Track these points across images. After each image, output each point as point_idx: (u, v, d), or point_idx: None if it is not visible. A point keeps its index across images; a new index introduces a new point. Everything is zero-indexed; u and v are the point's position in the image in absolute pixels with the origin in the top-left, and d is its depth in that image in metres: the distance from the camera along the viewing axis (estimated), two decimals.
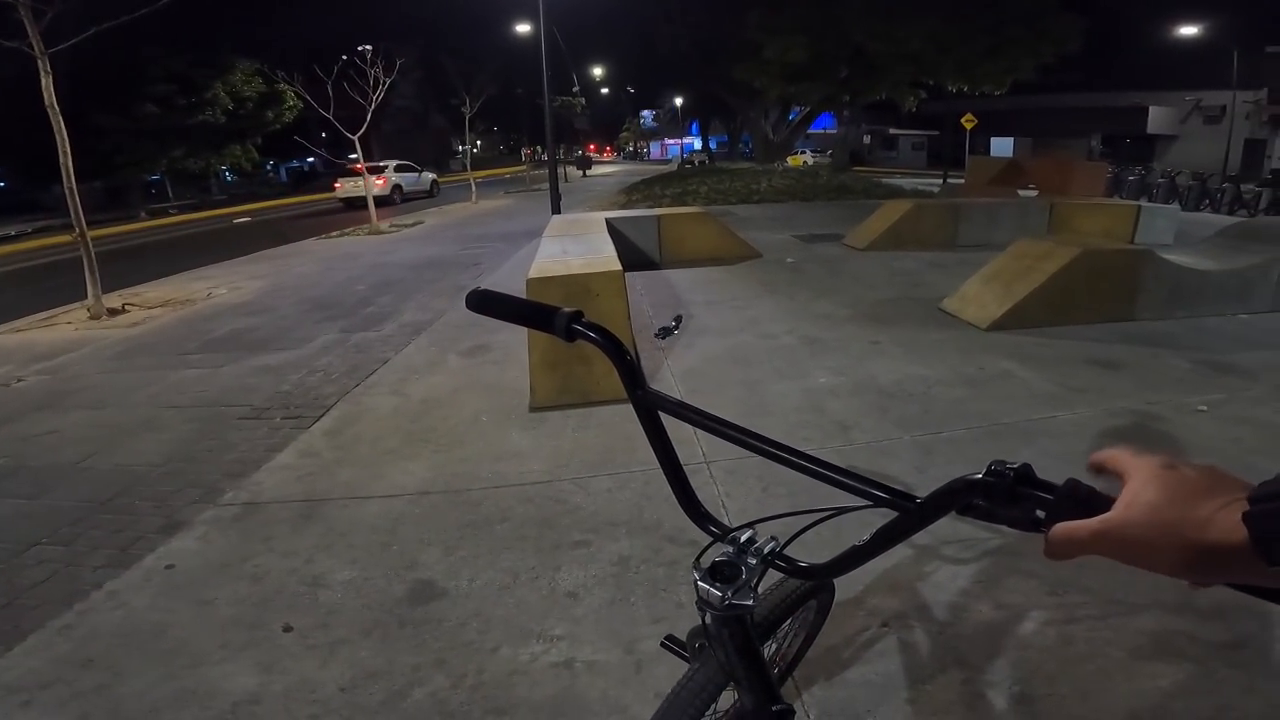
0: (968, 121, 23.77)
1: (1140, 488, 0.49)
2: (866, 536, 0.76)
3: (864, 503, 0.74)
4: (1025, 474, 0.57)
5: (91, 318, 7.25)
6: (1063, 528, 0.52)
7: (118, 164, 28.28)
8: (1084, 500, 0.53)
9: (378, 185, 21.13)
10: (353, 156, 15.38)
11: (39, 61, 6.98)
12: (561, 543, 2.70)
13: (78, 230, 7.29)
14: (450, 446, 3.62)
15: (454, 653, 2.14)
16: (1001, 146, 34.39)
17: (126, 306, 7.70)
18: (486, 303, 0.99)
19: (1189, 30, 24.37)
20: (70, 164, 7.21)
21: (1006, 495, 0.57)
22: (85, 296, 7.43)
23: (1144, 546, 0.47)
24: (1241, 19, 23.23)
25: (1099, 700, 1.84)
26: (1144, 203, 13.80)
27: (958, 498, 0.62)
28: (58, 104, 7.14)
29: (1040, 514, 0.56)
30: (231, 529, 2.95)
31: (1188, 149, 28.07)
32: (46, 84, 7.02)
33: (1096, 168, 16.03)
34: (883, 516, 0.70)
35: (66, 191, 7.30)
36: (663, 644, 1.27)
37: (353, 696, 1.98)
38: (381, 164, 23.67)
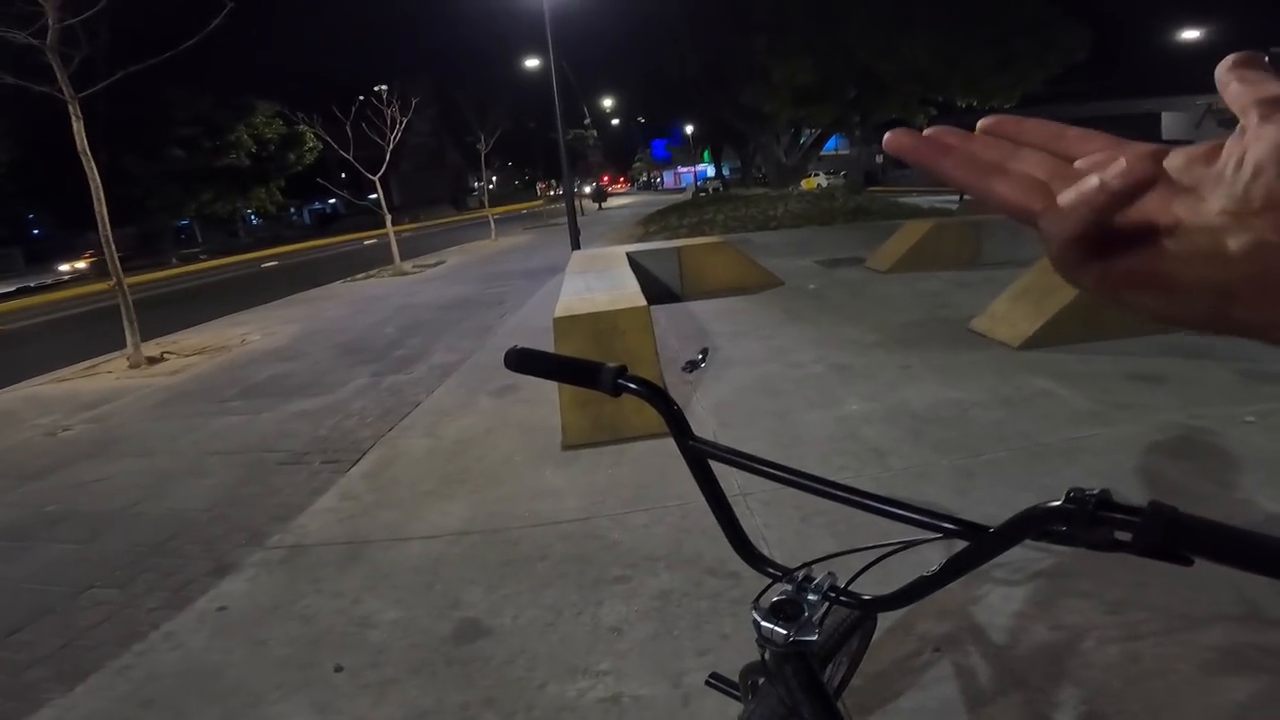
0: None
1: None
2: (934, 567, 0.77)
3: (933, 535, 0.74)
4: (1106, 499, 0.58)
5: (131, 366, 7.45)
6: None
7: (148, 209, 29.15)
8: (1170, 520, 0.53)
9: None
10: (372, 197, 15.76)
11: (69, 106, 7.08)
12: (602, 578, 2.71)
13: (115, 279, 7.46)
14: (486, 486, 3.67)
15: (502, 690, 2.16)
16: None
17: (165, 355, 7.91)
18: (526, 361, 0.97)
19: (1194, 34, 24.31)
20: (105, 212, 7.29)
21: (1088, 521, 0.59)
22: (124, 345, 7.62)
23: None
24: (1246, 20, 23.17)
25: (1172, 716, 1.81)
26: None
27: (1035, 525, 0.63)
28: (90, 149, 7.18)
29: (1123, 536, 0.57)
30: (279, 571, 3.02)
31: None
32: (78, 129, 7.10)
33: None
34: (942, 547, 0.71)
35: (102, 240, 7.43)
36: (708, 682, 1.28)
37: None
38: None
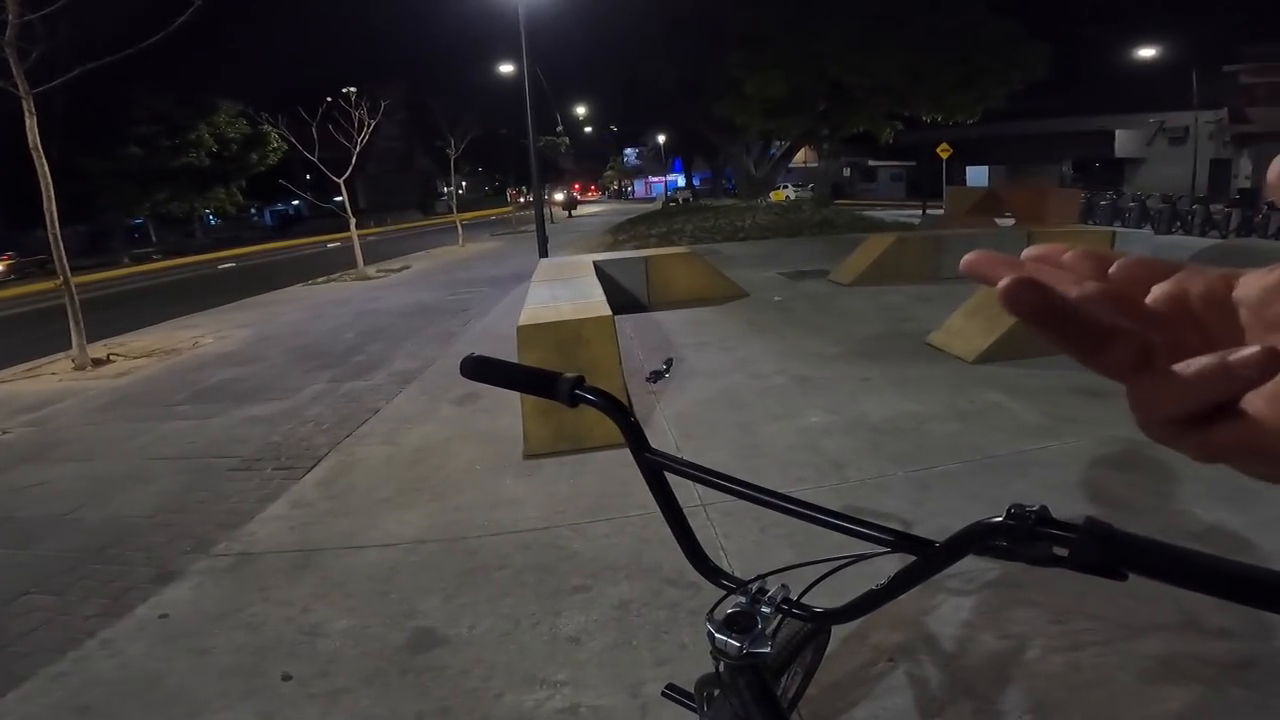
0: (943, 151, 24.30)
1: None
2: (883, 580, 0.78)
3: (881, 549, 0.75)
4: (1044, 515, 0.60)
5: (76, 368, 7.19)
6: None
7: (100, 206, 28.16)
8: (1105, 537, 0.55)
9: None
10: (337, 199, 15.48)
11: (23, 102, 6.89)
12: (561, 588, 2.69)
13: (62, 279, 7.24)
14: (445, 495, 3.62)
15: (458, 700, 2.14)
16: (976, 175, 35.07)
17: (111, 356, 7.65)
18: (482, 370, 0.95)
19: (1147, 53, 25.18)
20: (55, 210, 7.09)
21: (1027, 536, 0.60)
22: (69, 346, 7.36)
23: None
24: (1196, 40, 24.10)
25: None
26: (1118, 228, 14.16)
27: (978, 540, 0.64)
28: (41, 146, 7.00)
29: (1061, 551, 0.58)
30: (226, 579, 2.94)
31: (1156, 171, 28.62)
32: (30, 125, 6.92)
33: (1070, 195, 16.43)
34: (895, 559, 0.72)
35: (51, 239, 7.23)
36: (664, 694, 1.27)
37: None
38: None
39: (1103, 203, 20.06)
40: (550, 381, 0.91)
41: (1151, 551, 0.53)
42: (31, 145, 6.96)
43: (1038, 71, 20.03)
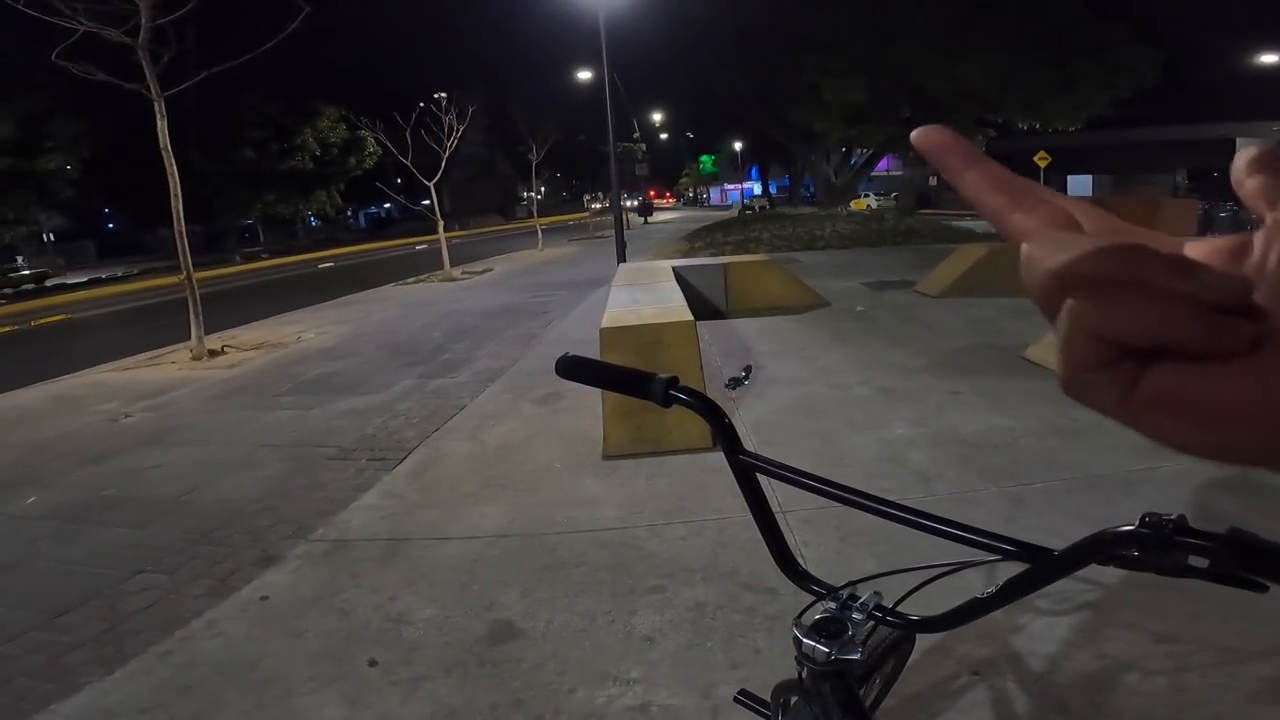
0: (1041, 160, 23.13)
1: None
2: (992, 589, 0.75)
3: (991, 556, 0.73)
4: (1182, 524, 0.57)
5: (194, 358, 7.73)
6: None
7: (217, 208, 30.24)
8: (1247, 546, 0.52)
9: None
10: (425, 203, 16.08)
11: (155, 104, 7.36)
12: (637, 587, 2.71)
13: (185, 274, 7.78)
14: (526, 491, 3.71)
15: (532, 693, 2.18)
16: (1079, 185, 33.24)
17: (225, 348, 8.21)
18: (577, 369, 0.97)
19: (1274, 58, 23.35)
20: (181, 208, 7.57)
21: (1163, 545, 0.57)
22: (187, 337, 7.93)
23: None
24: None
25: None
26: None
27: (1105, 549, 0.62)
28: (171, 147, 7.43)
29: (1198, 562, 0.56)
30: (322, 564, 3.10)
31: None
32: (162, 127, 7.39)
33: (1186, 205, 15.30)
34: (990, 570, 0.70)
35: (176, 235, 7.70)
36: (736, 699, 1.26)
37: None
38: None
39: (1221, 214, 18.69)
40: (645, 382, 0.91)
41: None
42: (163, 146, 7.39)
43: (1147, 78, 18.83)
